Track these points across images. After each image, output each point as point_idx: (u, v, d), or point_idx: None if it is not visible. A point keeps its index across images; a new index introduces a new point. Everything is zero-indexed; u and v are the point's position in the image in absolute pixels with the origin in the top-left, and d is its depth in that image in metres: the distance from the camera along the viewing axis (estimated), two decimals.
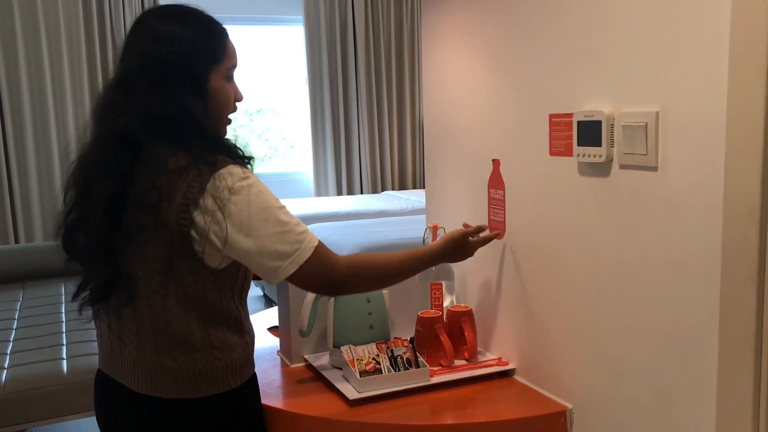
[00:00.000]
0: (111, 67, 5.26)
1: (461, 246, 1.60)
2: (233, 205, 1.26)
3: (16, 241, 5.25)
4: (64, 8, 5.34)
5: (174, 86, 1.31)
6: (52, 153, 5.44)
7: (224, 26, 1.40)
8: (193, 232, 1.26)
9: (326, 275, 1.36)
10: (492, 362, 1.68)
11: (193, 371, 1.34)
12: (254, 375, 1.46)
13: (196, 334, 1.33)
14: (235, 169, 1.29)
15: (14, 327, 3.23)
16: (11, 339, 3.04)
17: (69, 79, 5.46)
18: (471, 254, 1.63)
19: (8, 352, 2.87)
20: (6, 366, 2.70)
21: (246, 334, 1.41)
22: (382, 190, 6.59)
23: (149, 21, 1.36)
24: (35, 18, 5.24)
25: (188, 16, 1.38)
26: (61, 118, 5.47)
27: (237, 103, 1.44)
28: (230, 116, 1.44)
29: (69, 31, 5.38)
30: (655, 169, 1.20)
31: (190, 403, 1.35)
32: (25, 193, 5.29)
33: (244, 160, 1.37)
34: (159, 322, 1.32)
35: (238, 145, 1.40)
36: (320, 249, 1.34)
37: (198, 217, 1.26)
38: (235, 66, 1.41)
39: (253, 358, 1.45)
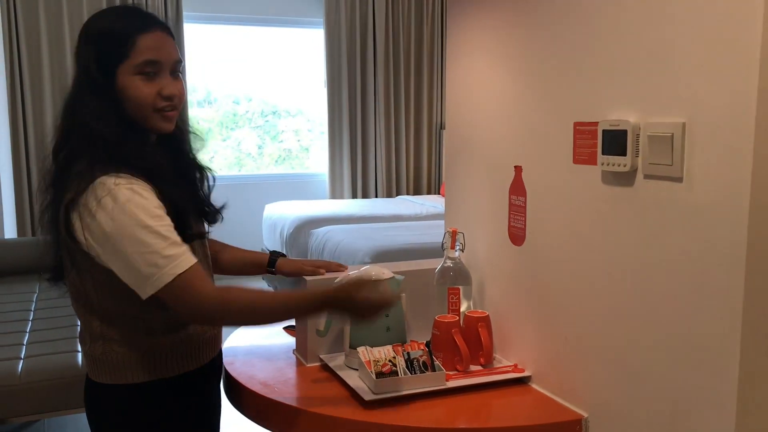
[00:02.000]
0: None
1: (353, 307, 1.40)
2: (97, 219, 1.27)
3: (33, 234, 5.29)
4: (87, 5, 5.38)
5: (80, 90, 1.34)
6: None
7: (144, 23, 1.33)
8: (77, 237, 1.31)
9: (191, 304, 1.31)
10: (508, 368, 1.68)
11: (94, 357, 1.42)
12: (176, 378, 1.45)
13: (95, 323, 1.40)
14: (108, 181, 1.28)
15: (30, 318, 3.26)
16: (27, 330, 3.07)
17: None
18: (370, 315, 1.42)
19: (24, 342, 2.90)
20: (22, 356, 2.73)
21: (159, 336, 1.41)
22: (397, 195, 6.60)
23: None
24: (59, 13, 5.29)
25: (104, 15, 1.38)
26: None
27: (173, 98, 1.37)
28: (186, 109, 1.49)
29: None
30: (680, 179, 1.20)
31: (103, 387, 1.43)
32: None
33: (139, 167, 1.32)
34: (74, 306, 1.44)
35: (142, 151, 1.35)
36: (187, 276, 1.28)
37: (76, 224, 1.30)
38: (150, 61, 1.32)
39: (174, 362, 1.44)
